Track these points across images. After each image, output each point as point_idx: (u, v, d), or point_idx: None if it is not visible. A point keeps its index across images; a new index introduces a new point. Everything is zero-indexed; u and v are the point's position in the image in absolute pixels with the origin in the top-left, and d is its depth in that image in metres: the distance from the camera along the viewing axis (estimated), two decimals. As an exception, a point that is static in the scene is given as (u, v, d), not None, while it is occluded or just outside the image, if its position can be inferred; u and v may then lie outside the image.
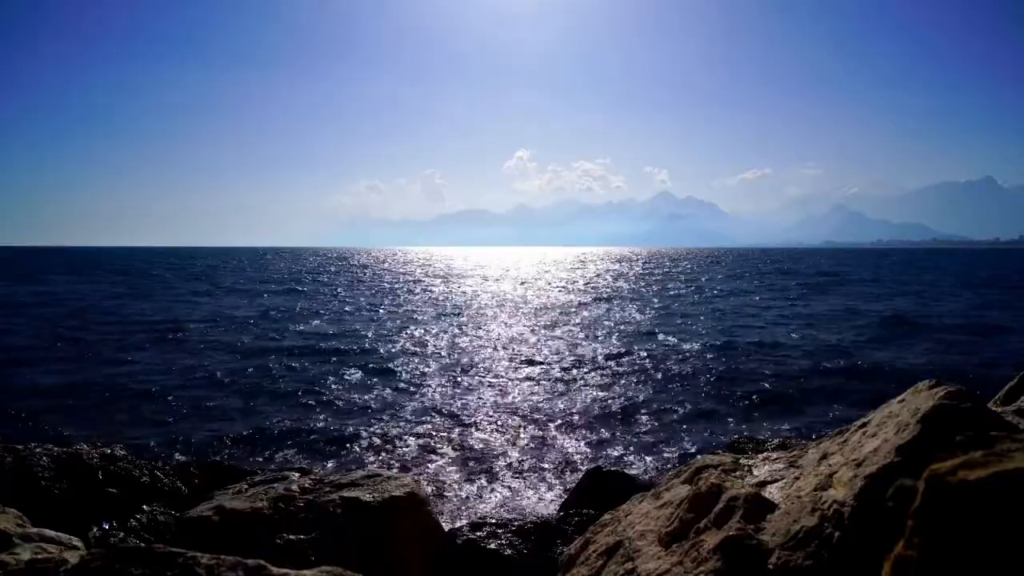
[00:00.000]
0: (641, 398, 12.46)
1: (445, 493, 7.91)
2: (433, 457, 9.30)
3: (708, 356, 16.84)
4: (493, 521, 4.65)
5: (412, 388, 13.30)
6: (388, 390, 13.07)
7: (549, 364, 15.89)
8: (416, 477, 7.44)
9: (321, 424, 10.78)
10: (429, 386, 13.46)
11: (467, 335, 20.94)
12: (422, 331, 21.81)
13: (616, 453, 9.45)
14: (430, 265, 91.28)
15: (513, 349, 18.16)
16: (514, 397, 12.55)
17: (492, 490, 8.07)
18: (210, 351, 17.60)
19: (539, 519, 4.76)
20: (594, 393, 12.84)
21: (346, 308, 29.60)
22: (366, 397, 12.47)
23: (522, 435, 10.23)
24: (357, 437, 10.19)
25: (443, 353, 17.46)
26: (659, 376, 14.37)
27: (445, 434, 10.27)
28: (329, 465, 8.78)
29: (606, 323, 24.09)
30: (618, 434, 10.35)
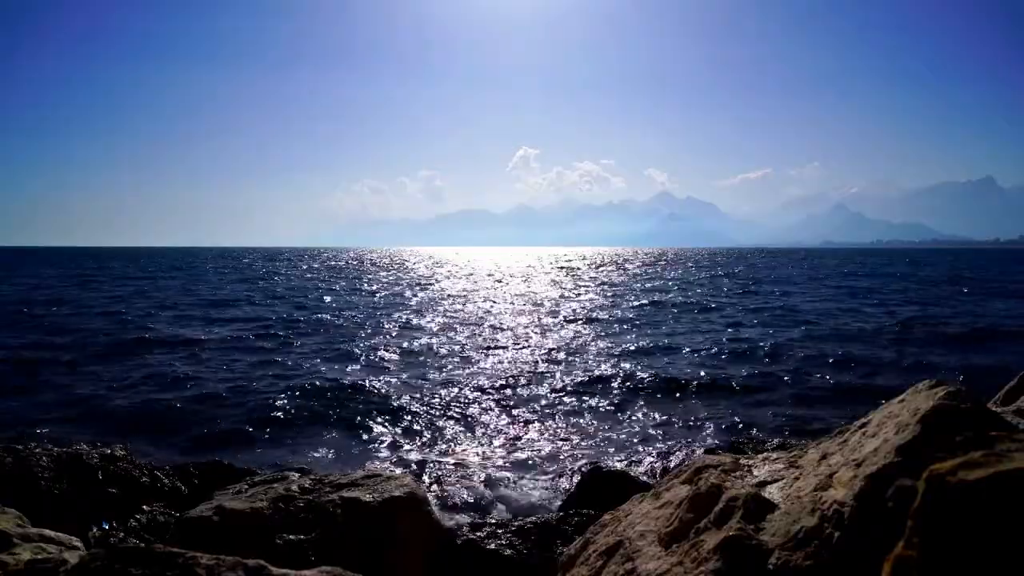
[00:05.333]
0: (642, 398, 12.46)
1: (445, 493, 7.91)
2: (433, 457, 9.29)
3: (709, 356, 16.84)
4: (493, 521, 4.66)
5: (412, 388, 13.30)
6: (387, 389, 13.07)
7: (550, 364, 15.89)
8: (416, 477, 7.45)
9: (321, 424, 10.78)
10: (429, 386, 13.46)
11: (468, 334, 20.95)
12: (422, 330, 21.81)
13: (616, 453, 9.45)
14: (427, 263, 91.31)
15: (514, 348, 18.17)
16: (515, 397, 12.55)
17: (492, 490, 8.07)
18: (210, 351, 17.61)
19: (539, 519, 4.77)
20: (595, 393, 12.84)
21: (338, 306, 29.59)
22: (365, 396, 12.47)
23: (522, 435, 10.23)
24: (357, 437, 10.20)
25: (443, 352, 17.46)
26: (660, 376, 14.36)
27: (445, 434, 10.27)
28: (329, 465, 8.77)
29: (607, 322, 24.09)
30: (618, 434, 10.35)
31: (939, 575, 1.15)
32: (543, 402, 12.16)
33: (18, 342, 18.45)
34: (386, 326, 23.13)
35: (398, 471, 7.03)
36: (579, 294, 38.42)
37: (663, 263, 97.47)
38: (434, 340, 19.84)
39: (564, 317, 25.77)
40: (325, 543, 3.92)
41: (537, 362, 16.14)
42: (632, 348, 18.13)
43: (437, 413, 11.36)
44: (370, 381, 13.95)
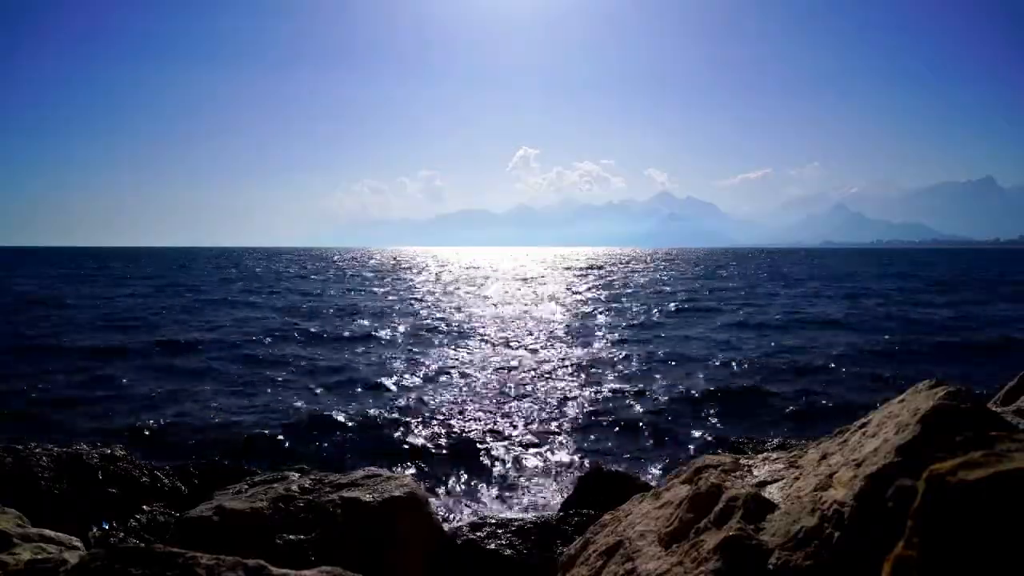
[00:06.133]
0: (642, 399, 12.46)
1: (445, 493, 7.91)
2: (433, 457, 9.30)
3: (709, 357, 16.84)
4: (493, 521, 4.65)
5: (412, 388, 13.30)
6: (388, 390, 13.07)
7: (550, 365, 15.89)
8: (416, 477, 7.45)
9: (321, 424, 10.77)
10: (429, 386, 13.46)
11: (467, 336, 20.94)
12: (422, 331, 21.80)
13: (616, 453, 9.45)
14: (428, 264, 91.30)
15: (514, 349, 18.16)
16: (515, 397, 12.55)
17: (492, 490, 8.08)
18: (211, 351, 17.60)
19: (539, 519, 4.76)
20: (595, 394, 12.84)
21: (338, 307, 29.59)
22: (366, 397, 12.47)
23: (522, 435, 10.23)
24: (357, 437, 10.20)
25: (444, 354, 17.46)
26: (660, 376, 14.37)
27: (445, 434, 10.26)
28: (329, 465, 8.77)
29: (608, 323, 24.09)
30: (618, 434, 10.35)
31: (939, 575, 1.15)
32: (543, 403, 12.16)
33: (17, 343, 18.45)
34: (387, 327, 23.13)
35: (398, 471, 7.03)
36: (579, 295, 38.42)
37: (663, 264, 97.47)
38: (434, 342, 19.84)
39: (564, 318, 25.78)
40: (325, 543, 3.92)
41: (537, 364, 16.14)
42: (631, 350, 18.12)
43: (437, 414, 11.36)
44: (371, 382, 13.95)
